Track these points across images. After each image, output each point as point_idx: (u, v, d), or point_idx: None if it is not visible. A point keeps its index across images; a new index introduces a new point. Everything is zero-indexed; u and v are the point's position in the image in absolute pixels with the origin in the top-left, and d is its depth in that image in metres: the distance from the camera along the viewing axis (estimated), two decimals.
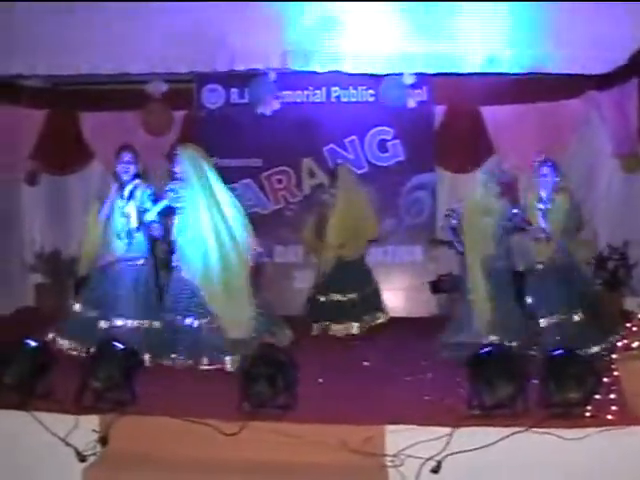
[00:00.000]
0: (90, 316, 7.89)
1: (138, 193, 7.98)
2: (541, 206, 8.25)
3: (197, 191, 7.73)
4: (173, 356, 7.73)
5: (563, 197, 8.21)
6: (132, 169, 8.07)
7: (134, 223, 7.91)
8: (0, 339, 6.79)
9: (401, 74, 10.28)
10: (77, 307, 8.06)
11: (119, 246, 7.93)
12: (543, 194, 8.28)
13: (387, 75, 10.15)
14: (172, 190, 7.88)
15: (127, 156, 8.09)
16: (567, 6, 8.12)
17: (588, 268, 8.63)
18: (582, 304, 8.09)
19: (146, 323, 7.89)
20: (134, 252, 7.97)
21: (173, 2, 8.44)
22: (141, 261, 8.02)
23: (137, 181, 8.07)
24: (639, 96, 9.45)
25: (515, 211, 8.23)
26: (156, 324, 7.90)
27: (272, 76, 10.83)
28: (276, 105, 11.64)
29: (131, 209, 7.92)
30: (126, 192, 7.96)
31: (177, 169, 7.87)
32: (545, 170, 8.29)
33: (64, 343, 7.75)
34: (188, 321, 7.73)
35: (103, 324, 7.77)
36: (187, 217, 7.81)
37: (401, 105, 11.29)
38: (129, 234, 7.91)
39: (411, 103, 11.29)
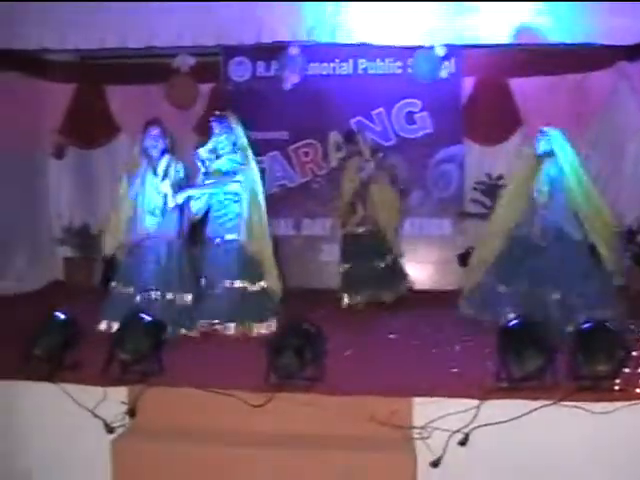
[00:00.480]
0: (128, 293, 7.88)
1: (172, 171, 7.89)
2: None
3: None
4: (215, 321, 7.87)
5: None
6: (160, 144, 7.94)
7: (171, 202, 7.85)
8: (31, 313, 6.81)
9: (432, 47, 10.18)
10: (114, 285, 8.01)
11: (152, 222, 7.87)
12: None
13: (419, 48, 10.10)
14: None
15: (155, 130, 7.95)
16: None
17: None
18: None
19: (181, 296, 7.90)
20: (167, 228, 7.92)
21: None
22: (175, 236, 7.97)
23: (167, 157, 7.96)
24: None
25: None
26: (189, 297, 7.90)
27: (295, 50, 10.76)
28: (295, 79, 11.58)
29: (167, 187, 7.84)
30: (160, 170, 7.87)
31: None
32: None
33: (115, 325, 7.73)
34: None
35: (139, 298, 7.76)
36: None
37: (434, 78, 11.20)
38: (164, 211, 7.86)
39: (443, 74, 11.18)
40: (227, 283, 7.94)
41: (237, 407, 5.67)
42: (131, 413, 5.83)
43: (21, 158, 11.37)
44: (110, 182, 12.30)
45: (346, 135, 10.55)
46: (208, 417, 5.81)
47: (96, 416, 5.81)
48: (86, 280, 11.84)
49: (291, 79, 11.60)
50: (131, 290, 7.84)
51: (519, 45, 9.40)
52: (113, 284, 8.00)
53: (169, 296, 7.81)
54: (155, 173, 7.88)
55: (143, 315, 6.43)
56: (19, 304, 9.53)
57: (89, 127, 12.20)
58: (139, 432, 5.80)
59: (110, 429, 5.78)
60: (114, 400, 5.84)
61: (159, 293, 7.79)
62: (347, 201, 10.10)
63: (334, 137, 11.78)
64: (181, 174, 7.94)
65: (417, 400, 5.63)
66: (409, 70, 11.60)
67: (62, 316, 6.48)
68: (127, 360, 6.05)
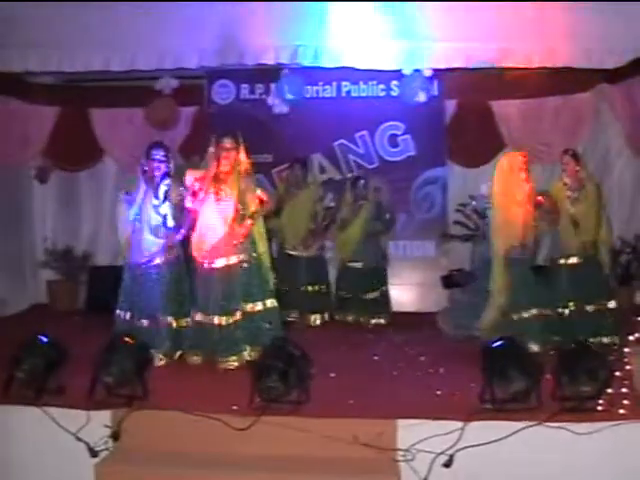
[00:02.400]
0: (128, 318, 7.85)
1: (173, 194, 7.84)
2: (569, 193, 8.29)
3: None
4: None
5: (590, 186, 8.27)
6: (163, 167, 7.88)
7: (170, 223, 7.82)
8: (14, 336, 6.78)
9: (419, 70, 10.24)
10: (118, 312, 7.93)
11: (151, 244, 7.83)
12: (568, 181, 8.31)
13: (411, 71, 10.17)
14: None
15: (159, 153, 7.89)
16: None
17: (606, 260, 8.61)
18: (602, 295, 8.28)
19: (179, 321, 7.89)
20: (167, 250, 7.87)
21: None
22: (174, 260, 7.93)
23: (169, 180, 7.89)
24: None
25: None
26: (187, 321, 7.87)
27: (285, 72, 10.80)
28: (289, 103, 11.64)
29: (167, 210, 7.81)
30: (161, 193, 7.82)
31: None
32: (566, 159, 8.33)
33: None
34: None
35: (141, 322, 7.75)
36: None
37: (418, 99, 11.25)
38: (164, 233, 7.82)
39: (422, 97, 11.20)
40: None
41: (222, 430, 5.65)
42: (115, 437, 5.80)
43: (5, 181, 11.36)
44: (94, 205, 12.32)
45: (298, 161, 10.68)
46: (192, 441, 5.78)
47: (80, 440, 5.77)
48: (69, 303, 11.80)
49: (288, 104, 11.63)
50: (129, 314, 7.82)
51: (501, 68, 9.48)
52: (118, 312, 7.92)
53: (169, 320, 7.81)
54: (156, 196, 7.83)
55: (128, 338, 6.42)
56: (1, 327, 9.48)
57: (73, 150, 12.18)
58: (123, 456, 5.76)
59: (94, 453, 5.74)
60: (98, 423, 5.81)
61: (159, 316, 7.78)
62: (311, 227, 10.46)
63: (318, 160, 11.81)
64: (182, 196, 7.84)
65: (401, 422, 5.63)
66: (392, 93, 11.68)
67: (45, 339, 6.45)
68: (111, 383, 6.03)
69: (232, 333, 7.56)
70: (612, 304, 8.28)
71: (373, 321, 10.41)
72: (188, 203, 7.68)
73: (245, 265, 7.66)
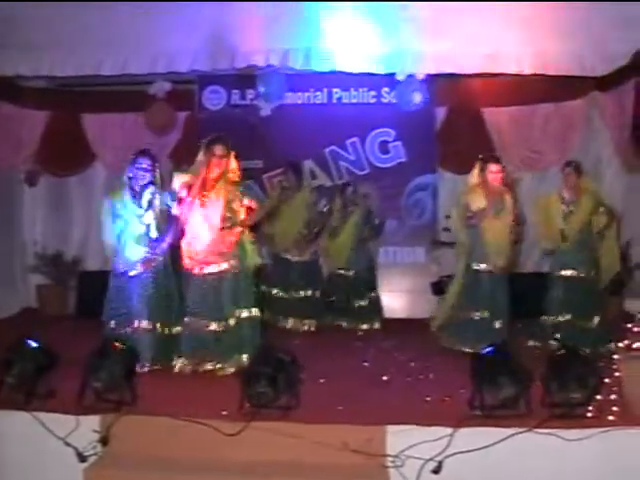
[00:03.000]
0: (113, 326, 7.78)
1: (157, 202, 7.75)
2: (563, 207, 8.33)
3: None
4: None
5: (585, 199, 8.29)
6: (148, 176, 7.78)
7: (154, 232, 7.75)
8: (3, 340, 6.76)
9: (412, 75, 10.25)
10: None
11: (136, 253, 7.75)
12: (566, 195, 8.35)
13: (392, 75, 10.17)
14: None
15: (145, 162, 7.78)
16: (569, 6, 8.14)
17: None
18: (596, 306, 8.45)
19: (166, 327, 7.84)
20: (151, 258, 7.79)
21: (174, 2, 8.46)
22: (160, 266, 7.87)
23: (152, 188, 7.77)
24: (636, 96, 9.43)
25: None
26: (177, 328, 7.80)
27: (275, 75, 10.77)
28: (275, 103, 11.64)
29: (150, 218, 7.72)
30: (144, 201, 7.70)
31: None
32: (568, 171, 8.36)
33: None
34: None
35: (125, 331, 7.66)
36: None
37: (421, 106, 11.27)
38: (148, 242, 7.74)
39: (417, 101, 11.20)
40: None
41: (211, 436, 5.65)
42: (104, 442, 5.79)
43: None
44: (84, 210, 12.30)
45: (291, 166, 10.69)
46: (181, 446, 5.77)
47: (68, 444, 5.76)
48: (59, 308, 11.78)
49: (270, 104, 11.63)
50: (116, 321, 7.76)
51: (492, 75, 9.51)
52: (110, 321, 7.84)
53: (156, 327, 7.76)
54: (139, 204, 7.74)
55: (117, 343, 6.41)
56: None
57: (64, 155, 12.16)
58: (111, 461, 5.74)
59: (82, 458, 5.73)
60: (86, 428, 5.80)
61: (146, 323, 7.73)
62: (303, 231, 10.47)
63: (308, 166, 11.82)
64: (166, 205, 7.77)
65: (391, 428, 5.63)
66: (383, 100, 11.71)
67: (34, 344, 6.43)
68: (100, 388, 6.02)
69: (227, 339, 7.53)
70: (596, 320, 8.39)
71: (364, 326, 10.41)
72: (174, 210, 7.65)
73: (234, 272, 7.62)
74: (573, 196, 8.36)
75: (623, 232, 10.38)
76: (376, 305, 10.80)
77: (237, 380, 6.11)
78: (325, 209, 10.59)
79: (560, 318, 8.36)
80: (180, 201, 7.57)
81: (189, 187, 7.52)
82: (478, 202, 8.39)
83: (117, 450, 5.78)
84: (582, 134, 11.46)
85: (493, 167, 8.41)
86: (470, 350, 7.74)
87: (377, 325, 10.57)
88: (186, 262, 7.64)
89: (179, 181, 7.58)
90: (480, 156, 8.70)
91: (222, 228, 7.53)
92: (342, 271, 10.58)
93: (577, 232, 8.31)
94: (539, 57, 8.61)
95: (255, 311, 7.71)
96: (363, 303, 10.56)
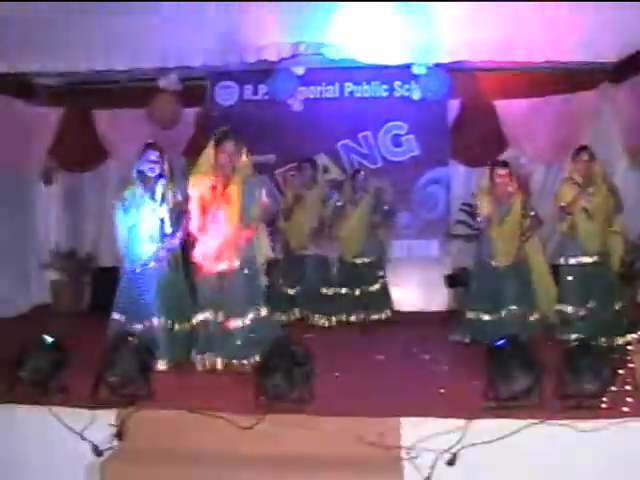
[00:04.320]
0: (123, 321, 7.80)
1: (169, 195, 7.78)
2: (580, 190, 8.39)
3: None
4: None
5: (600, 182, 8.40)
6: (157, 168, 7.78)
7: (168, 227, 7.77)
8: (18, 336, 6.80)
9: (437, 65, 10.25)
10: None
11: (150, 249, 7.76)
12: (579, 179, 8.38)
13: (405, 67, 10.18)
14: None
15: (153, 155, 7.79)
16: None
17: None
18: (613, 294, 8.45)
19: (179, 323, 7.86)
20: (165, 253, 7.82)
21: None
22: (172, 262, 7.90)
23: (163, 181, 7.80)
24: None
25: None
26: (188, 324, 7.80)
27: (299, 70, 10.73)
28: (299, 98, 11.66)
29: (164, 212, 7.74)
30: (157, 195, 7.74)
31: None
32: (583, 156, 8.43)
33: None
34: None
35: (136, 327, 7.65)
36: None
37: (443, 97, 11.25)
38: (163, 237, 7.76)
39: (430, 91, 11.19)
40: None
41: (226, 429, 5.67)
42: (119, 436, 5.82)
43: (9, 182, 11.37)
44: (98, 206, 12.33)
45: (306, 161, 10.76)
46: (197, 439, 5.80)
47: (84, 439, 5.79)
48: (74, 304, 11.82)
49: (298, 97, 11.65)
50: (125, 318, 7.77)
51: (504, 68, 9.50)
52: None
53: (167, 324, 7.78)
54: (153, 198, 7.75)
55: (132, 338, 6.44)
56: (6, 327, 9.49)
57: (77, 151, 12.18)
58: (127, 455, 5.77)
59: (98, 452, 5.76)
60: (102, 423, 5.83)
61: (160, 320, 7.74)
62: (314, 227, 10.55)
63: (321, 160, 11.81)
64: (179, 198, 7.81)
65: (405, 420, 5.64)
66: (395, 93, 11.71)
67: (49, 339, 6.47)
68: (115, 383, 6.05)
69: (245, 335, 7.49)
70: (618, 305, 8.36)
71: (376, 316, 10.41)
72: (184, 204, 7.65)
73: (247, 271, 7.59)
74: (586, 179, 8.38)
75: (635, 225, 10.35)
76: (385, 292, 10.76)
77: (252, 374, 6.13)
78: (339, 204, 10.57)
79: (582, 310, 8.36)
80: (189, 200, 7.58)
81: (203, 185, 7.51)
82: (485, 208, 8.50)
83: (133, 444, 5.81)
84: (594, 126, 11.42)
85: (501, 171, 8.52)
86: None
87: (388, 313, 10.57)
88: (200, 260, 7.60)
89: (196, 185, 7.56)
90: (489, 162, 8.74)
91: (237, 226, 7.50)
92: (354, 259, 10.55)
93: (598, 211, 8.34)
94: (552, 45, 8.59)
95: (266, 310, 7.71)
96: (374, 289, 10.53)
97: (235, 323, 7.48)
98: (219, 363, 7.45)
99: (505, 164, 8.65)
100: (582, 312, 8.29)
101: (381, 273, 10.71)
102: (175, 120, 11.40)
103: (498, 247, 8.52)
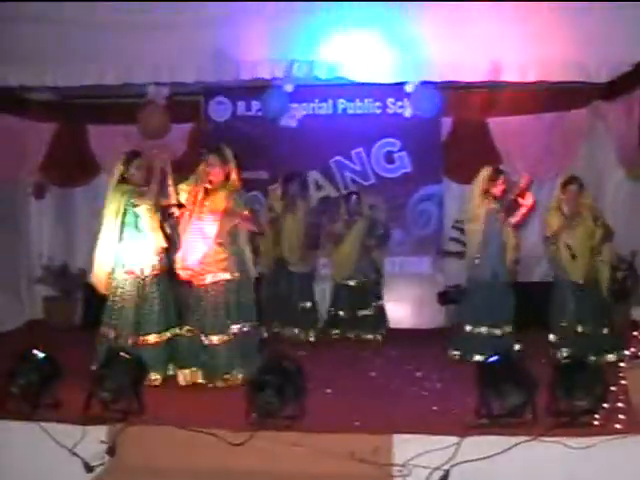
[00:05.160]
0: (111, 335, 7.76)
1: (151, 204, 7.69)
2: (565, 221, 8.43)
3: None
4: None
5: (587, 213, 8.39)
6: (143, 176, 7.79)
7: (159, 241, 7.74)
8: (10, 351, 6.78)
9: (418, 85, 10.28)
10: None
11: (137, 261, 7.71)
12: (565, 209, 8.42)
13: (399, 85, 10.20)
14: None
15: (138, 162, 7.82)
16: (573, 13, 8.16)
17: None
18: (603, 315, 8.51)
19: (168, 337, 7.81)
20: (152, 265, 7.76)
21: (178, 15, 8.49)
22: (163, 276, 7.86)
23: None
24: None
25: None
26: (176, 338, 7.78)
27: (289, 87, 10.71)
28: (298, 115, 11.68)
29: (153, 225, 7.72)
30: (144, 207, 7.65)
31: None
32: (571, 188, 8.47)
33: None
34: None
35: (131, 340, 7.61)
36: None
37: (434, 115, 11.29)
38: (153, 251, 7.73)
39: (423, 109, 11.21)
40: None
41: (217, 446, 5.65)
42: (111, 452, 5.80)
43: (1, 196, 11.36)
44: (90, 221, 12.30)
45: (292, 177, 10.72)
46: (188, 456, 5.78)
47: (75, 455, 5.76)
48: (66, 319, 11.79)
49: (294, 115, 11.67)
50: (114, 332, 7.72)
51: (496, 85, 9.52)
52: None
53: (163, 337, 7.76)
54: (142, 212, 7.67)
55: (123, 353, 6.42)
56: None
57: (69, 166, 12.19)
58: (118, 471, 5.76)
59: (89, 468, 5.74)
60: (94, 439, 5.81)
61: (153, 336, 7.72)
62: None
63: (314, 176, 11.83)
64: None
65: (397, 437, 5.63)
66: (388, 110, 11.75)
67: (40, 354, 6.45)
68: (107, 398, 6.03)
69: (227, 351, 7.49)
70: (608, 323, 8.46)
71: (369, 336, 10.38)
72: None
73: (233, 284, 7.58)
74: (573, 209, 8.42)
75: (627, 242, 10.37)
76: (381, 315, 10.74)
77: (243, 389, 6.12)
78: (325, 219, 10.59)
79: (574, 327, 8.40)
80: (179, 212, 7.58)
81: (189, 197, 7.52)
82: (555, 224, 8.55)
83: (124, 460, 5.79)
84: (586, 143, 11.47)
85: (572, 187, 8.57)
86: None
87: (381, 335, 10.51)
88: (181, 273, 7.61)
89: (183, 192, 7.59)
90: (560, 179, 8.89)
91: (218, 241, 7.51)
92: (347, 281, 10.54)
93: (582, 244, 8.37)
94: (543, 64, 8.61)
95: (253, 324, 7.72)
96: (368, 312, 10.50)
97: (216, 338, 7.47)
98: (200, 377, 7.46)
99: (575, 179, 8.64)
100: (575, 329, 8.32)
101: (377, 297, 10.73)
102: (163, 131, 11.28)
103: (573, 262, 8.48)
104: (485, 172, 8.74)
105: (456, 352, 8.67)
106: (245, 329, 7.59)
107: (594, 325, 8.36)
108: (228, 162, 7.64)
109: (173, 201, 7.68)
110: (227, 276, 7.55)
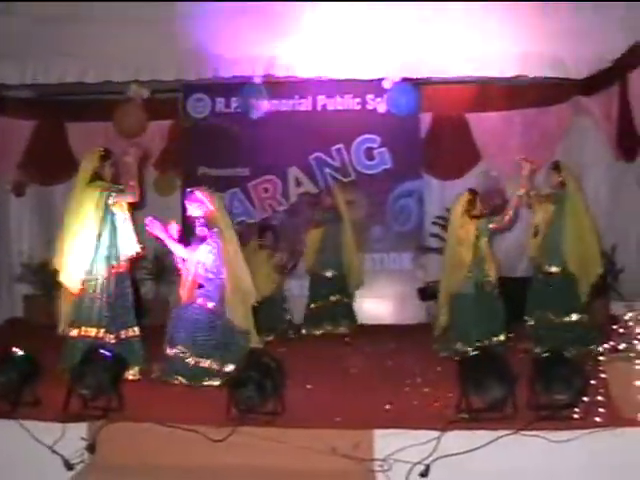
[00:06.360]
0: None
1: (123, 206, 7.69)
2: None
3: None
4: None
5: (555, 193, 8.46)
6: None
7: (123, 238, 7.68)
8: None
9: (397, 81, 10.30)
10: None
11: (102, 259, 7.63)
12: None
13: (378, 81, 10.22)
14: None
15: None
16: (552, 9, 8.19)
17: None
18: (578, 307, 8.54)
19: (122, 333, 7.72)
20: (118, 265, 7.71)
21: (158, 13, 8.48)
22: (124, 271, 7.81)
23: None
24: (620, 101, 9.50)
25: None
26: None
27: (258, 80, 10.66)
28: (262, 108, 11.65)
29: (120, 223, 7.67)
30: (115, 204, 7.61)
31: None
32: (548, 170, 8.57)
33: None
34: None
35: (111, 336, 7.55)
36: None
37: (412, 112, 11.31)
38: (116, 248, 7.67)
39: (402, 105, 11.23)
40: None
41: (198, 442, 5.63)
42: (91, 449, 5.76)
43: None
44: None
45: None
46: (169, 452, 5.75)
47: (55, 453, 5.73)
48: (46, 317, 11.70)
49: (258, 108, 11.61)
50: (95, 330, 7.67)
51: (476, 80, 9.54)
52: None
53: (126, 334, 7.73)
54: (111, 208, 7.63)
55: (103, 350, 6.39)
56: None
57: (49, 164, 12.16)
58: (99, 468, 5.71)
59: (69, 466, 5.70)
60: (73, 436, 5.77)
61: (134, 330, 7.73)
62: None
63: (293, 173, 11.84)
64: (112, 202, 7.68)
65: (378, 432, 5.62)
66: (368, 106, 11.76)
67: (19, 352, 6.41)
68: (87, 395, 6.00)
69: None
70: (576, 317, 8.49)
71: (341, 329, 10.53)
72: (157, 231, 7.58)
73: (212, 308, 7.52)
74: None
75: (608, 236, 10.42)
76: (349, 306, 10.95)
77: (223, 386, 6.11)
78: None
79: (537, 313, 8.55)
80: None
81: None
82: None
83: (104, 458, 5.75)
84: (565, 139, 11.51)
85: None
86: None
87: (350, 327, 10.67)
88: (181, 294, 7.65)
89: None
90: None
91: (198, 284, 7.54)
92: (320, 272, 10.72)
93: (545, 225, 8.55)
94: (522, 60, 8.65)
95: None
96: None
97: (205, 364, 7.42)
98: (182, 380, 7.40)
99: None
100: (552, 321, 8.38)
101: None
102: (139, 130, 11.20)
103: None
104: (465, 197, 8.69)
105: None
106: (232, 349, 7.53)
107: (565, 314, 8.45)
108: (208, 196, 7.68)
109: (137, 199, 7.65)
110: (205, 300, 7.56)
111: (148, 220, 7.46)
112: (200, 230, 7.52)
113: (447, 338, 8.67)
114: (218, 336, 7.43)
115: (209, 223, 7.50)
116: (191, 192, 7.69)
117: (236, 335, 7.48)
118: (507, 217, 8.48)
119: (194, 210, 7.56)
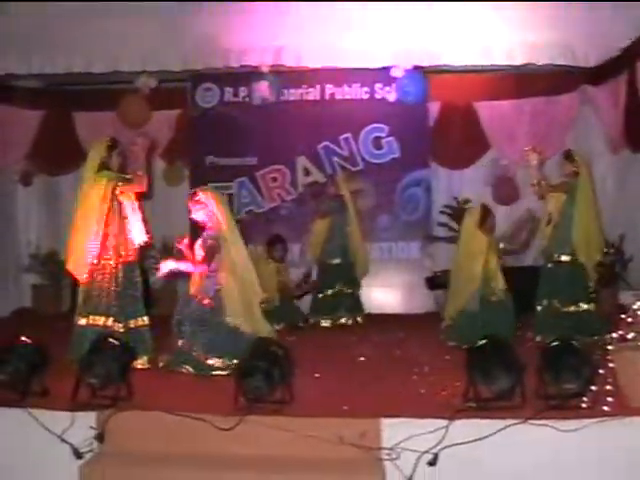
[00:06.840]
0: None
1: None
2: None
3: None
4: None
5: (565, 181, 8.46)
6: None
7: (133, 228, 7.71)
8: None
9: (406, 70, 10.28)
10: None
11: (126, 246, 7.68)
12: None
13: (387, 70, 10.21)
14: None
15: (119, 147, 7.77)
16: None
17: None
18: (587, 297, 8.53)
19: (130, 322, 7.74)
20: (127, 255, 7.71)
21: (166, 2, 8.47)
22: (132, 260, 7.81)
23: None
24: (628, 90, 9.48)
25: None
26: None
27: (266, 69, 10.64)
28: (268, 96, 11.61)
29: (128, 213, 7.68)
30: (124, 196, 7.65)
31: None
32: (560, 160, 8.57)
33: None
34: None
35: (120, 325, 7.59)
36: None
37: (420, 100, 11.30)
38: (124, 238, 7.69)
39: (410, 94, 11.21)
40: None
41: (206, 431, 5.64)
42: (100, 438, 5.78)
43: None
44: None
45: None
46: (177, 441, 5.77)
47: (64, 441, 5.75)
48: (54, 307, 11.78)
49: (264, 96, 11.57)
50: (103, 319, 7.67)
51: (485, 70, 9.52)
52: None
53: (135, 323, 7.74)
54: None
55: (111, 339, 6.40)
56: None
57: (57, 154, 12.17)
58: (108, 457, 5.73)
59: (78, 454, 5.72)
60: (83, 425, 5.78)
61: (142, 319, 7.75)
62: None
63: (302, 162, 11.83)
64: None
65: (386, 421, 5.62)
66: (376, 95, 11.74)
67: (28, 342, 6.42)
68: (96, 384, 6.01)
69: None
70: (585, 306, 8.48)
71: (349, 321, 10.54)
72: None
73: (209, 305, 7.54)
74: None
75: (616, 226, 10.40)
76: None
77: (232, 375, 6.11)
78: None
79: (545, 302, 8.54)
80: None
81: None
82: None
83: (113, 446, 5.77)
84: (574, 127, 11.48)
85: None
86: None
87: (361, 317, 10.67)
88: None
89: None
90: None
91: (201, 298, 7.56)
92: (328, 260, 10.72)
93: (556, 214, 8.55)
94: (531, 48, 8.62)
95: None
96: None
97: (212, 361, 7.41)
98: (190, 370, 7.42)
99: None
100: (562, 310, 8.37)
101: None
102: (143, 121, 11.15)
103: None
104: (476, 211, 8.65)
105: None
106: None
107: (573, 303, 8.44)
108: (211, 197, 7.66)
109: (144, 188, 7.66)
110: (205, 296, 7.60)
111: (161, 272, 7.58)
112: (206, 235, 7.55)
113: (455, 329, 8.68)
114: (222, 336, 7.43)
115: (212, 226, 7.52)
116: (194, 193, 7.71)
117: (238, 336, 7.46)
118: (520, 240, 8.54)
119: (197, 213, 7.56)
